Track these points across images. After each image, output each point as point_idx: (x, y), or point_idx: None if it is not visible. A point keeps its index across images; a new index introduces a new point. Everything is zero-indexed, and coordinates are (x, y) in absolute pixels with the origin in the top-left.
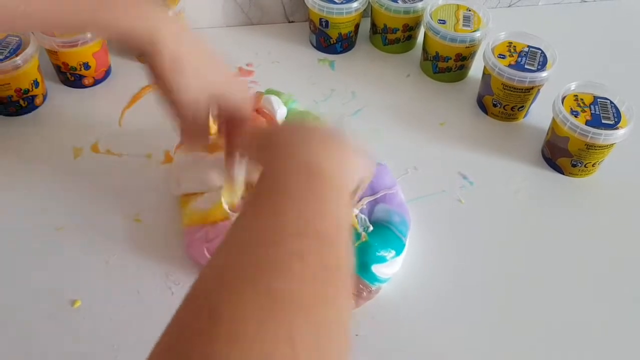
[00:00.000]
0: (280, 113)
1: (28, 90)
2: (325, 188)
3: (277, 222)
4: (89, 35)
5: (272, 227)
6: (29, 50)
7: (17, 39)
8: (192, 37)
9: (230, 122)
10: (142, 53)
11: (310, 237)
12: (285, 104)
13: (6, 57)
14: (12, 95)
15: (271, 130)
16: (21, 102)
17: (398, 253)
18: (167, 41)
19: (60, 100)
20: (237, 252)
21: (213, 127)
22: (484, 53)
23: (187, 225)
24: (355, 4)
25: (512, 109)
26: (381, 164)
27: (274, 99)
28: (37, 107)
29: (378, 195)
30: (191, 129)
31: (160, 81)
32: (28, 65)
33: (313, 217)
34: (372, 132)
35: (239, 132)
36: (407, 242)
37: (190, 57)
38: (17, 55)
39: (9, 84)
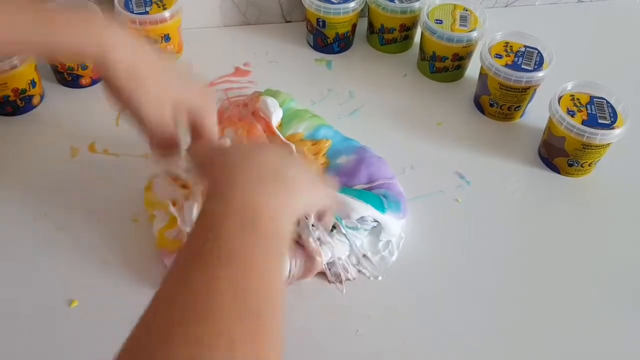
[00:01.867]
0: (276, 116)
1: (25, 90)
2: (258, 243)
3: (209, 300)
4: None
5: (203, 303)
6: None
7: None
8: (148, 49)
9: (192, 133)
10: (97, 69)
11: (243, 321)
12: (282, 103)
13: (3, 57)
14: (9, 95)
15: (216, 152)
16: (18, 102)
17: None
18: (121, 54)
19: (58, 100)
20: (166, 322)
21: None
22: (480, 53)
23: (161, 247)
24: (352, 4)
25: (508, 108)
26: (381, 158)
27: (270, 101)
28: (34, 107)
29: (375, 184)
30: (159, 141)
31: (119, 95)
32: (25, 65)
33: (242, 292)
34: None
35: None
36: (405, 242)
37: (148, 68)
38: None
39: (6, 83)
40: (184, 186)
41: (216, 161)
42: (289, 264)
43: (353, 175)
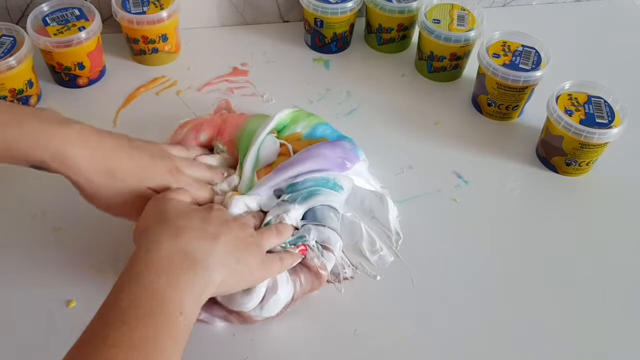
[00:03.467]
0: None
1: (22, 91)
2: (159, 336)
3: None
4: None
5: None
6: (23, 50)
7: (11, 39)
8: (105, 146)
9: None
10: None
11: None
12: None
13: (0, 58)
14: (6, 96)
15: (150, 212)
16: (15, 102)
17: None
18: (79, 167)
19: (55, 100)
20: None
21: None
22: (478, 52)
23: None
24: (350, 4)
25: (506, 108)
26: (352, 150)
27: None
28: (31, 107)
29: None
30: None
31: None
32: (22, 66)
33: None
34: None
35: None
36: (403, 241)
37: (106, 180)
38: (11, 56)
39: (3, 84)
40: None
41: (145, 224)
42: (294, 285)
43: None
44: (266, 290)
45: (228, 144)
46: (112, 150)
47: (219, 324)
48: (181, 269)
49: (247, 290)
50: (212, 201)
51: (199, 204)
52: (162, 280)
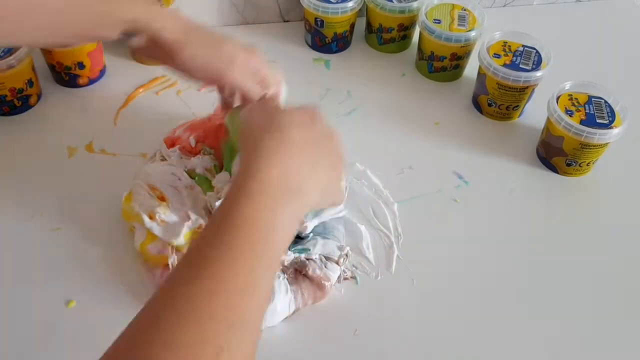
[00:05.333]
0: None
1: (22, 90)
2: (259, 264)
3: (199, 306)
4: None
5: (193, 309)
6: (23, 49)
7: None
8: (193, 22)
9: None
10: (147, 45)
11: (231, 330)
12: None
13: (0, 57)
14: (6, 95)
15: (263, 123)
16: (15, 101)
17: None
18: (170, 25)
19: (55, 99)
20: (153, 325)
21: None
22: (479, 52)
23: (147, 262)
24: (350, 4)
25: (507, 108)
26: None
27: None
28: (31, 106)
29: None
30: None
31: (170, 61)
32: (22, 65)
33: (234, 303)
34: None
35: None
36: (403, 242)
37: (194, 33)
38: (11, 55)
39: (3, 83)
40: (161, 198)
41: (256, 137)
42: (294, 295)
43: None
44: None
45: (215, 149)
46: (191, 23)
47: None
48: (286, 195)
49: None
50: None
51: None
52: (270, 203)
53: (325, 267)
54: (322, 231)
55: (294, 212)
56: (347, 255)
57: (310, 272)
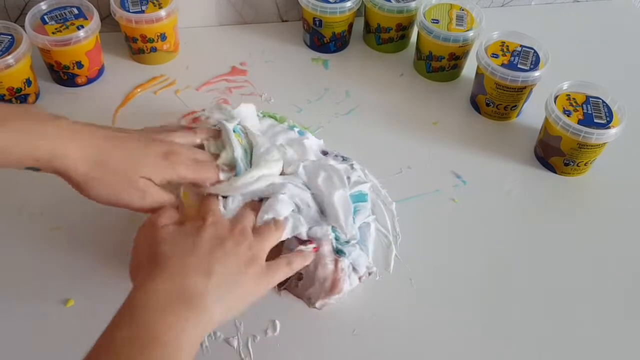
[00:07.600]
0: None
1: (20, 89)
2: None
3: None
4: None
5: None
6: (21, 48)
7: (9, 37)
8: (109, 142)
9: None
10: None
11: None
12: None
13: None
14: (4, 94)
15: (151, 247)
16: (13, 101)
17: None
18: (73, 163)
19: (53, 99)
20: None
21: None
22: (477, 52)
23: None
24: (348, 3)
25: (505, 108)
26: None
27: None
28: None
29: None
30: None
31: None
32: (20, 64)
33: None
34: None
35: None
36: (401, 241)
37: (99, 173)
38: (9, 54)
39: (1, 82)
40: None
41: (138, 260)
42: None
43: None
44: None
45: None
46: (103, 141)
47: None
48: (179, 310)
49: None
50: (219, 180)
51: (204, 186)
52: (159, 321)
53: (349, 277)
54: (359, 238)
55: (192, 327)
56: (369, 274)
57: (326, 272)
